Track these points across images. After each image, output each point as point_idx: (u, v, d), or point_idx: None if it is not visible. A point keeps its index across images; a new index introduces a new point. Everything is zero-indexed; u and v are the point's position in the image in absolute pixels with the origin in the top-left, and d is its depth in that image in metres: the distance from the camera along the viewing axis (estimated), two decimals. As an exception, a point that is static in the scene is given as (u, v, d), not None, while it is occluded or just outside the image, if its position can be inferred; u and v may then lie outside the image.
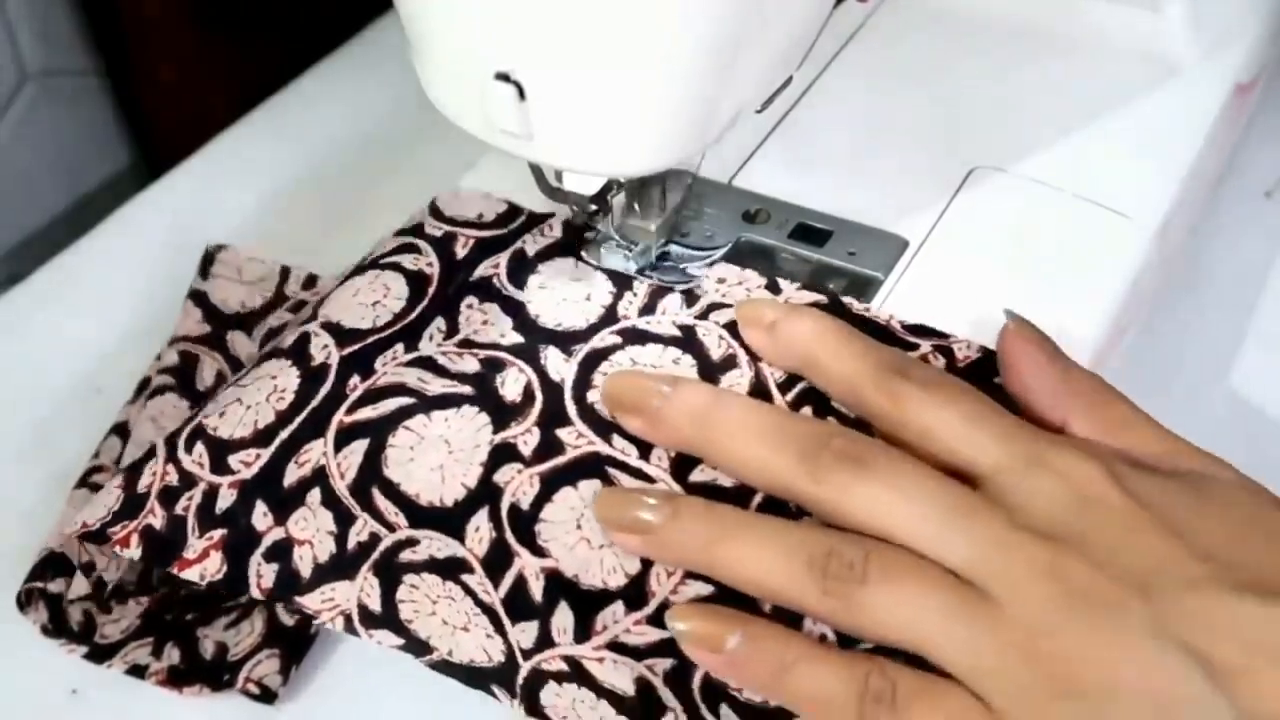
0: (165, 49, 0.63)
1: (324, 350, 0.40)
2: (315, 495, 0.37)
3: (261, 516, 0.37)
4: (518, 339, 0.40)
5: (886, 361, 0.35)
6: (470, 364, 0.39)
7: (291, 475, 0.38)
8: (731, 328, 0.39)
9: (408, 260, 0.42)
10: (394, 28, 0.41)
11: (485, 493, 0.36)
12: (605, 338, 0.40)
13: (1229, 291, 0.52)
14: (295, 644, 0.40)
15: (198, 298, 0.50)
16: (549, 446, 0.37)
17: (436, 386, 0.38)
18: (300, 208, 0.55)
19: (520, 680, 0.36)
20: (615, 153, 0.36)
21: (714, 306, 0.40)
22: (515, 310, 0.41)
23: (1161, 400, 0.48)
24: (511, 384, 0.38)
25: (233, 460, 0.38)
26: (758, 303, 0.38)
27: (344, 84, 0.65)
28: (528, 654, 0.35)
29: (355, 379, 0.39)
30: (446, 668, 0.36)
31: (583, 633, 0.35)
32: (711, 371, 0.38)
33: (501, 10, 0.33)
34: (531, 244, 0.43)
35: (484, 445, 0.37)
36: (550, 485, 0.36)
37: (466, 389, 0.38)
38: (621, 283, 0.41)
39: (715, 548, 0.33)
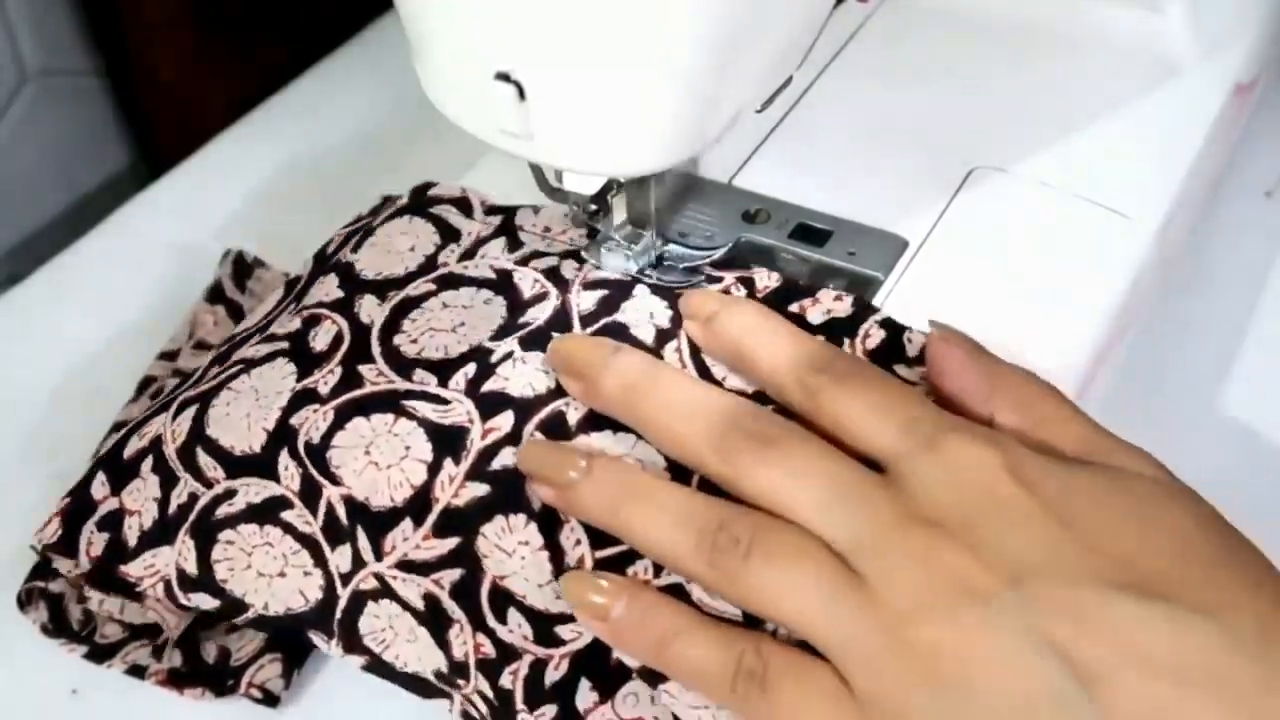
0: (165, 49, 0.63)
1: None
2: (148, 463, 0.39)
3: (100, 486, 0.40)
4: (339, 294, 0.41)
5: (810, 355, 0.35)
6: (294, 324, 0.41)
7: (132, 448, 0.40)
8: (549, 273, 0.41)
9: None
10: (394, 28, 0.41)
11: (284, 434, 0.38)
12: (420, 285, 0.41)
13: (1229, 291, 0.52)
14: (297, 649, 0.40)
15: (230, 306, 0.50)
16: (347, 382, 0.38)
17: (263, 350, 0.40)
18: (300, 208, 0.55)
19: (339, 613, 0.37)
20: (615, 153, 0.36)
21: (536, 254, 0.41)
22: (345, 270, 0.42)
23: (1161, 400, 0.48)
24: (323, 335, 0.40)
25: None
26: (702, 295, 0.38)
27: (344, 84, 0.65)
28: (346, 578, 0.37)
29: (215, 368, 0.41)
30: (261, 623, 0.38)
31: (377, 554, 0.37)
32: (521, 309, 0.39)
33: (501, 10, 0.33)
34: (373, 218, 0.45)
35: (285, 391, 0.39)
36: (341, 416, 0.38)
37: (283, 345, 0.40)
38: (448, 234, 0.43)
39: (621, 509, 0.34)
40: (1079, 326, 0.40)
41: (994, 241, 0.42)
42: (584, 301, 0.40)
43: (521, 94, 0.34)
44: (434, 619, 0.37)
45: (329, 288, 0.42)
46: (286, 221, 0.56)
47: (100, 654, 0.40)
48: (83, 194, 0.65)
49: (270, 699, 0.39)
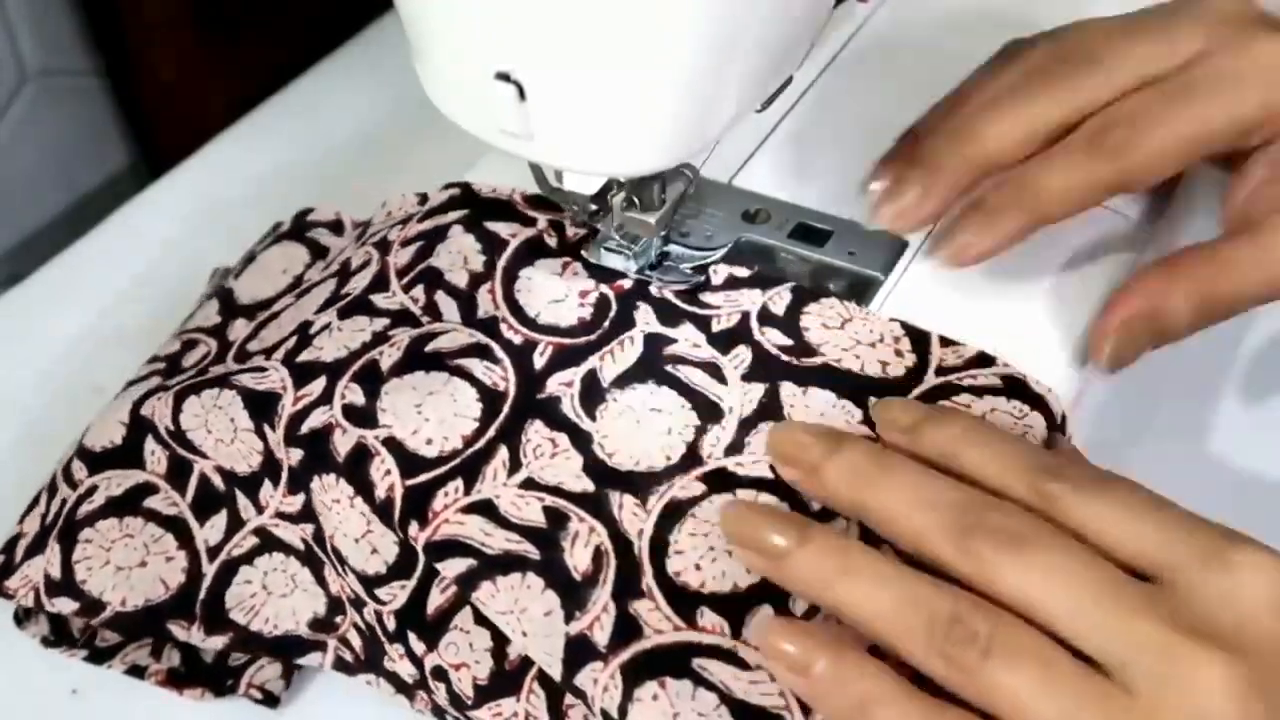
0: (165, 49, 0.63)
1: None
2: (45, 489, 0.41)
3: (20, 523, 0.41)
4: (216, 320, 0.41)
5: (1040, 462, 0.33)
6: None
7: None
8: (379, 244, 0.41)
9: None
10: (394, 28, 0.41)
11: (139, 422, 0.39)
12: (282, 300, 0.41)
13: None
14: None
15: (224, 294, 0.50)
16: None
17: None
18: (300, 208, 0.55)
19: (203, 593, 0.38)
20: (615, 153, 0.36)
21: (376, 232, 0.42)
22: (225, 297, 0.41)
23: (1162, 399, 0.48)
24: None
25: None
26: (900, 404, 0.36)
27: (344, 84, 0.65)
28: (215, 550, 0.39)
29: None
30: (118, 623, 0.38)
31: (258, 509, 0.38)
32: (346, 279, 0.41)
33: (501, 10, 0.33)
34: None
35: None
36: (179, 397, 0.39)
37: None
38: (318, 253, 0.43)
39: (839, 582, 0.31)
40: (1078, 326, 0.40)
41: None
42: (400, 258, 0.40)
43: (521, 94, 0.34)
44: (310, 560, 0.38)
45: (209, 313, 0.44)
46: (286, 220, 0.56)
47: (100, 655, 0.40)
48: (83, 194, 0.65)
49: (270, 699, 0.39)
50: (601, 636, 0.34)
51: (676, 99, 0.35)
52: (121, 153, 0.67)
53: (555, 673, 0.34)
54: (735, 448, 0.37)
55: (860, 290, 0.41)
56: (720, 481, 0.36)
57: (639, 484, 0.36)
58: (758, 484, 0.36)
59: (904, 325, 0.39)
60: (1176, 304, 0.36)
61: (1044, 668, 0.29)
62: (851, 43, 0.51)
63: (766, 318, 0.39)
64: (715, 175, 0.45)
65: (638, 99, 0.34)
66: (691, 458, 0.36)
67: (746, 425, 0.37)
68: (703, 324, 0.39)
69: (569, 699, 0.35)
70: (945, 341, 0.39)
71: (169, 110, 0.65)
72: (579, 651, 0.34)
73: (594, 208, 0.41)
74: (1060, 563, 0.30)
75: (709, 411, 0.37)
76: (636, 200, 0.41)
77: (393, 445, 0.37)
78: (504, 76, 0.34)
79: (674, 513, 0.35)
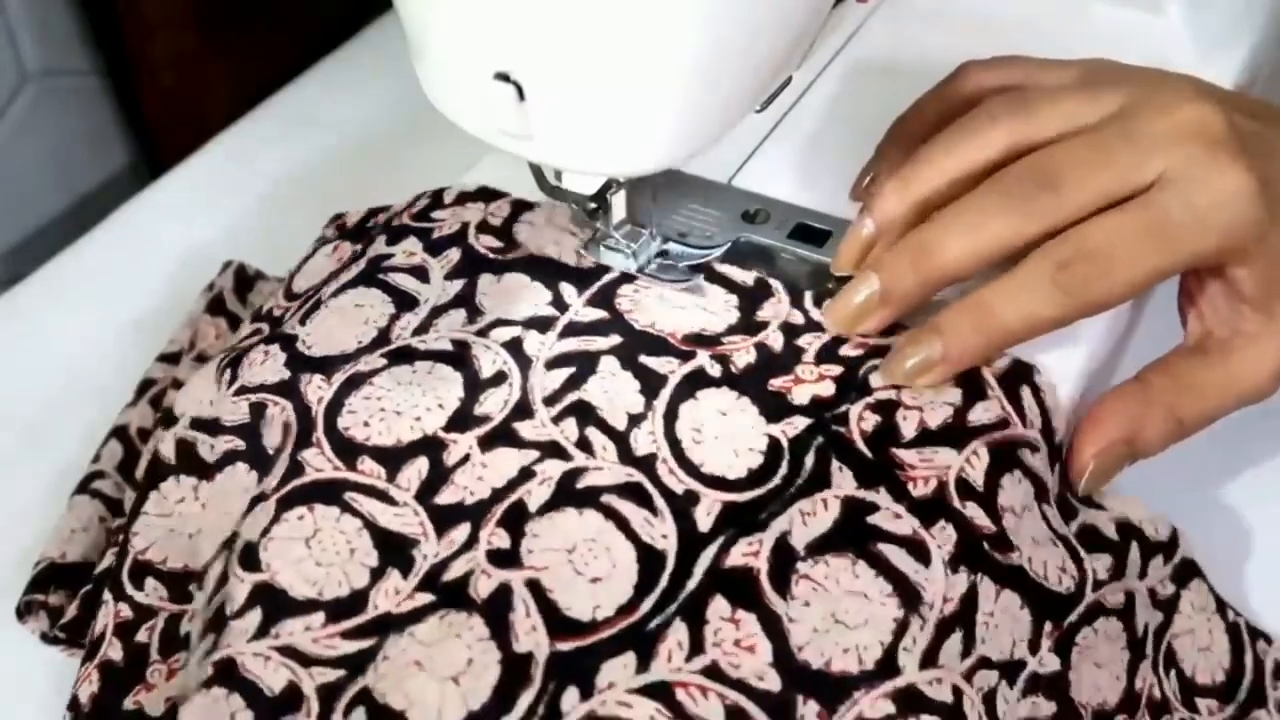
0: (165, 49, 0.63)
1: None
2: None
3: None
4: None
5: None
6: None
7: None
8: (510, 346, 0.38)
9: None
10: (394, 28, 0.41)
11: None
12: (371, 360, 0.38)
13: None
14: None
15: (230, 318, 0.50)
16: (291, 473, 0.36)
17: (219, 446, 0.38)
18: (300, 208, 0.55)
19: None
20: (615, 153, 0.36)
21: (500, 323, 0.39)
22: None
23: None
24: (273, 429, 0.37)
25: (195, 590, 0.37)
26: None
27: (344, 84, 0.65)
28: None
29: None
30: None
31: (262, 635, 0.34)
32: (478, 389, 0.37)
33: (501, 11, 0.33)
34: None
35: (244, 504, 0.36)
36: (283, 505, 0.35)
37: (237, 443, 0.37)
38: (404, 303, 0.40)
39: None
40: (1078, 326, 0.40)
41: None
42: (547, 382, 0.37)
43: (521, 94, 0.34)
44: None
45: (275, 365, 0.38)
46: (287, 221, 0.55)
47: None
48: (83, 194, 0.65)
49: None
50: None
51: (676, 99, 0.35)
52: (121, 153, 0.67)
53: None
54: (929, 657, 0.33)
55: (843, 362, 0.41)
56: (909, 702, 0.32)
57: (828, 691, 0.32)
58: (943, 711, 0.32)
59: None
60: (1152, 429, 0.37)
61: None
62: (851, 43, 0.51)
63: (965, 489, 0.35)
64: (715, 175, 0.45)
65: (637, 99, 0.34)
66: (887, 664, 0.32)
67: (944, 628, 0.33)
68: (900, 488, 0.35)
69: None
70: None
71: (169, 110, 0.65)
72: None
73: (594, 207, 0.41)
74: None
75: (911, 601, 0.33)
76: (636, 200, 0.41)
77: (538, 594, 0.33)
78: (504, 76, 0.34)
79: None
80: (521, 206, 0.43)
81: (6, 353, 0.51)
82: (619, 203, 0.41)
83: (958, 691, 0.32)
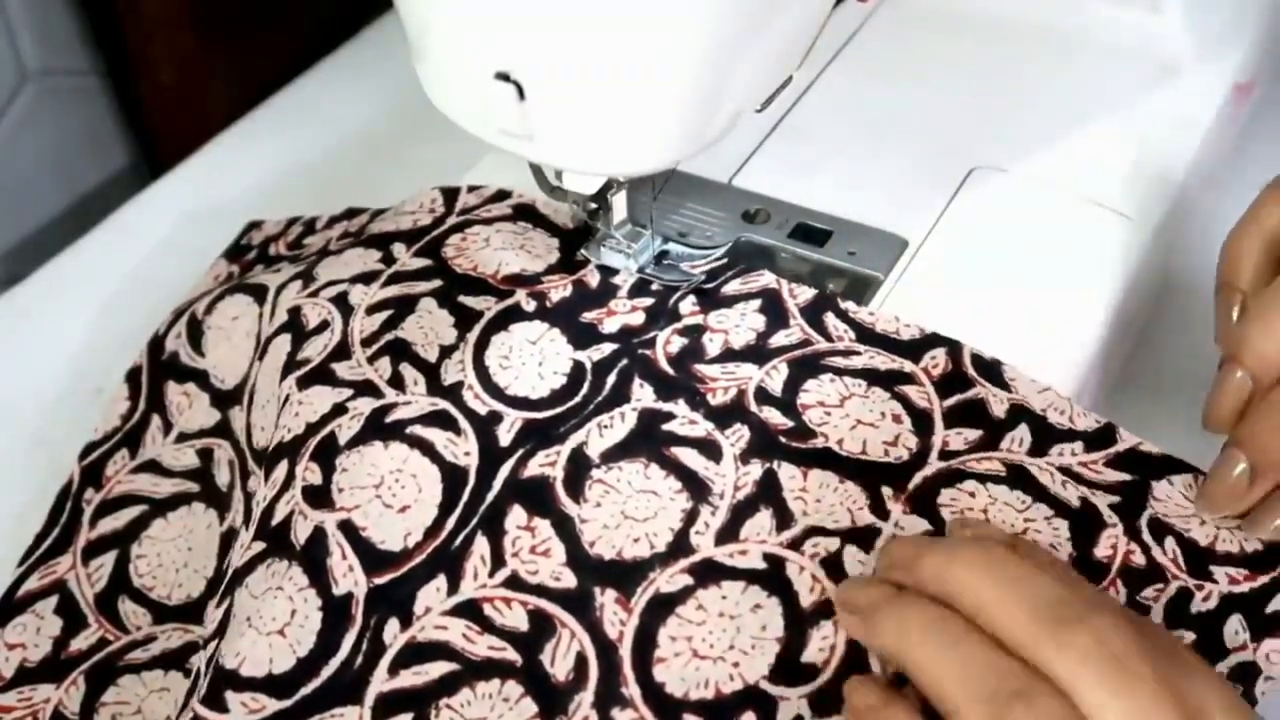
0: (165, 49, 0.63)
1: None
2: (48, 604, 0.38)
3: None
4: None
5: (1050, 604, 0.30)
6: (518, 617, 0.34)
7: (28, 587, 0.38)
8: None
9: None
10: (394, 28, 0.41)
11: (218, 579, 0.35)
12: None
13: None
14: None
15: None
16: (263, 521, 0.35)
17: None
18: (300, 208, 0.55)
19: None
20: (615, 153, 0.36)
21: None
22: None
23: (1162, 400, 0.48)
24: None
25: (233, 698, 0.34)
26: (900, 543, 0.34)
27: (344, 84, 0.65)
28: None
29: (394, 625, 0.34)
30: None
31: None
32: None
33: (501, 10, 0.33)
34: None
35: (214, 540, 0.35)
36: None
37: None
38: (699, 495, 0.35)
39: (916, 640, 0.30)
40: (1078, 326, 0.40)
41: (994, 241, 0.42)
42: (365, 325, 0.38)
43: (521, 94, 0.34)
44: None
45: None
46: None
47: None
48: (83, 194, 0.65)
49: None
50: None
51: (676, 99, 0.35)
52: (121, 153, 0.67)
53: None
54: (727, 534, 0.35)
55: (860, 290, 0.41)
56: (708, 572, 0.34)
57: (623, 577, 0.34)
58: (750, 577, 0.34)
59: (905, 403, 0.37)
60: None
61: None
62: (851, 43, 0.51)
63: (764, 396, 0.37)
64: (715, 175, 0.45)
65: (637, 99, 0.34)
66: (679, 546, 0.35)
67: (740, 510, 0.35)
68: (699, 398, 0.37)
69: None
70: (950, 421, 0.37)
71: (169, 110, 0.65)
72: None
73: (594, 207, 0.41)
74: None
75: (700, 493, 0.35)
76: (636, 200, 0.41)
77: (351, 533, 0.35)
78: (504, 76, 0.34)
79: (658, 609, 0.34)
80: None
81: (6, 353, 0.51)
82: (619, 203, 0.41)
83: (774, 558, 0.34)
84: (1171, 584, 0.34)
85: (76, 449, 0.45)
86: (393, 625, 0.34)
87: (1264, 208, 0.38)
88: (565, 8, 0.32)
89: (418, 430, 0.37)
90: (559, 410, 0.37)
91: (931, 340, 0.39)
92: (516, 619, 0.34)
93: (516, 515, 0.35)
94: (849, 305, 0.39)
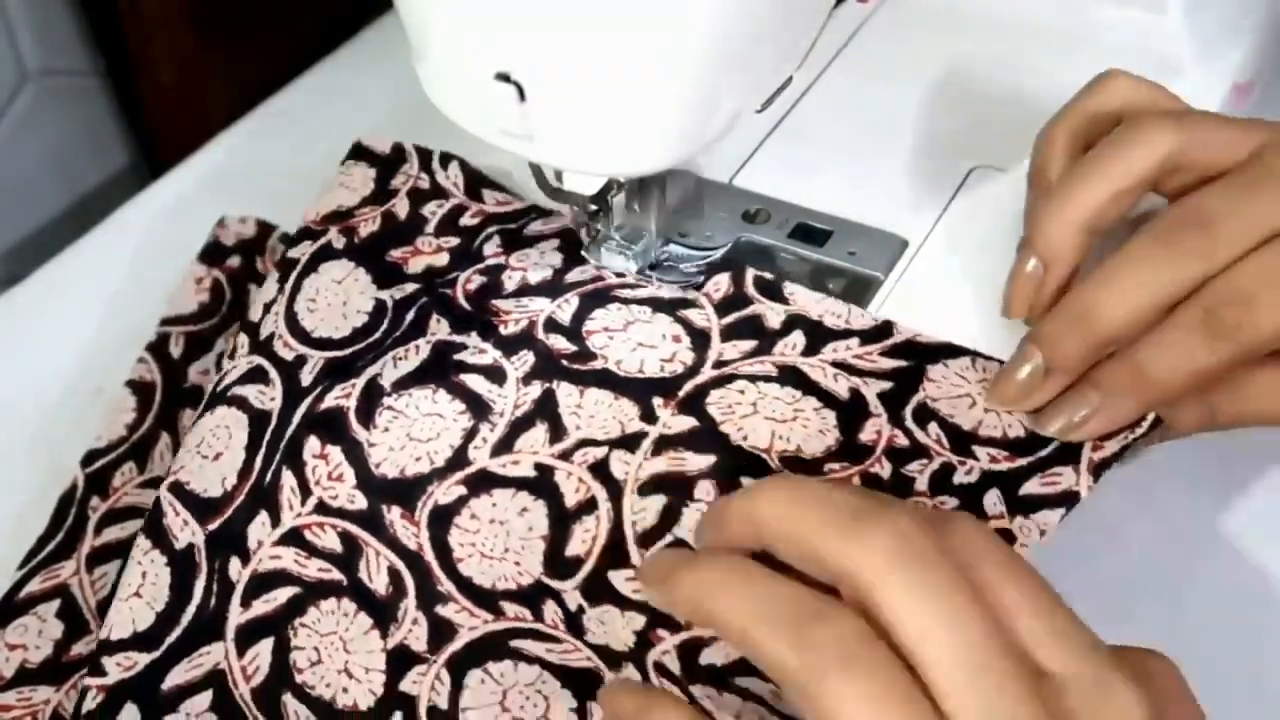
0: (165, 49, 0.63)
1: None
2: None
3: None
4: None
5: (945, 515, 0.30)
6: (332, 539, 0.37)
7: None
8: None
9: (252, 393, 0.40)
10: (394, 28, 0.41)
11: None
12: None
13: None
14: None
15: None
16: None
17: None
18: (300, 208, 0.55)
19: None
20: (615, 153, 0.36)
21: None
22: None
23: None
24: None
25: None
26: (711, 504, 0.34)
27: (344, 84, 0.65)
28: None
29: (236, 563, 0.37)
30: None
31: None
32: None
33: (501, 11, 0.33)
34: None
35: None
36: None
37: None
38: (480, 414, 0.38)
39: (715, 593, 0.30)
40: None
41: (994, 241, 0.42)
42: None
43: (521, 94, 0.34)
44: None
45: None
46: (286, 222, 0.55)
47: None
48: (83, 194, 0.65)
49: None
50: (419, 644, 0.35)
51: (676, 99, 0.35)
52: (121, 153, 0.67)
53: (378, 686, 0.35)
54: (502, 447, 0.37)
55: (860, 290, 0.41)
56: (481, 482, 0.36)
57: (405, 494, 0.37)
58: (519, 484, 0.36)
59: (685, 324, 0.39)
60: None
61: (896, 693, 0.27)
62: (851, 43, 0.51)
63: (552, 325, 0.39)
64: (715, 175, 0.45)
65: (638, 99, 0.34)
66: (456, 461, 0.37)
67: (518, 426, 0.37)
68: (490, 330, 0.39)
69: None
70: (727, 336, 0.39)
71: (169, 110, 0.65)
72: (400, 662, 0.35)
73: (594, 207, 0.41)
74: (945, 611, 0.28)
75: (481, 413, 0.38)
76: (636, 200, 0.41)
77: (179, 492, 0.38)
78: (504, 76, 0.34)
79: (439, 519, 0.36)
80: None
81: (6, 353, 0.51)
82: (619, 203, 0.41)
83: (544, 467, 0.36)
84: (935, 459, 0.36)
85: (77, 449, 0.45)
86: (235, 563, 0.37)
87: (1079, 100, 0.39)
88: (565, 8, 0.32)
89: (235, 390, 0.40)
90: (359, 347, 0.40)
91: (718, 266, 0.41)
92: (331, 541, 0.37)
93: (312, 445, 0.38)
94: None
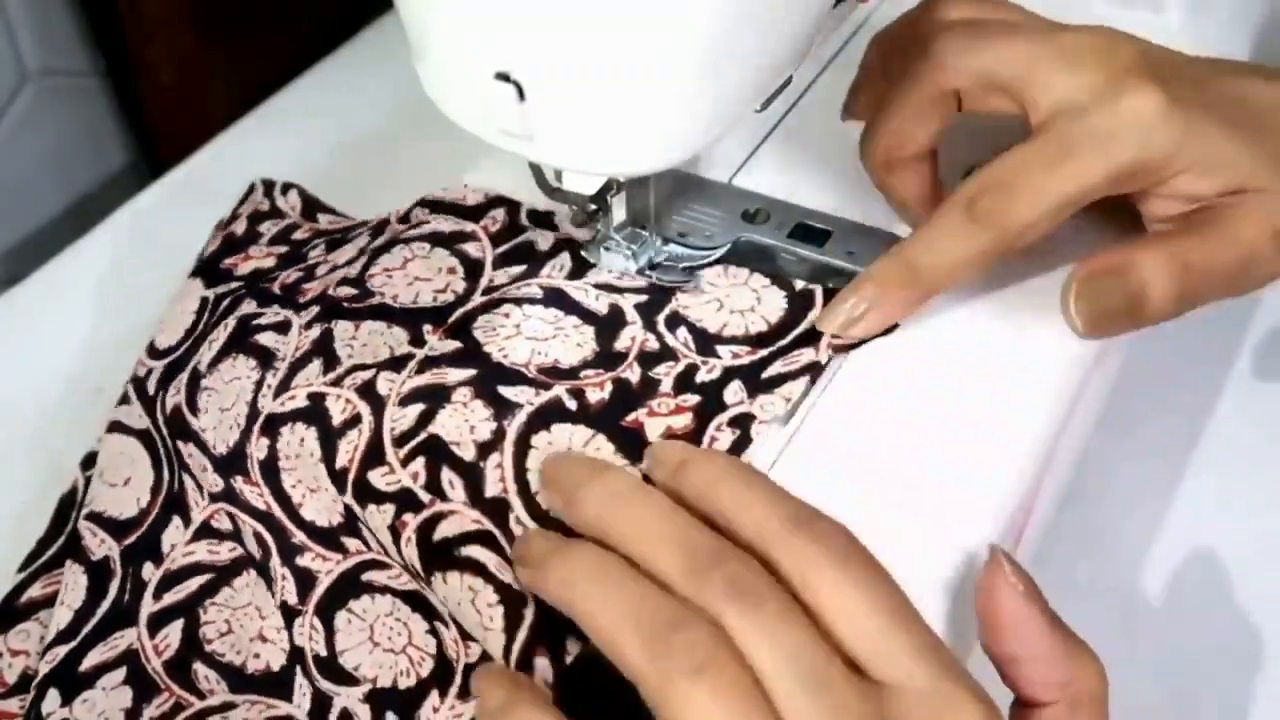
0: (165, 49, 0.63)
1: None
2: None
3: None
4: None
5: (793, 520, 0.31)
6: (224, 521, 0.40)
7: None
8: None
9: (125, 415, 0.43)
10: (394, 28, 0.41)
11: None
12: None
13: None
14: None
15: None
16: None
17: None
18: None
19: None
20: (615, 153, 0.36)
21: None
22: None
23: (1160, 400, 0.48)
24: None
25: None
26: (668, 444, 0.36)
27: (344, 84, 0.65)
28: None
29: (149, 566, 0.40)
30: None
31: None
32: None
33: (501, 10, 0.33)
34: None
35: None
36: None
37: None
38: (266, 363, 0.39)
39: (579, 585, 0.32)
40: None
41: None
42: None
43: (521, 94, 0.34)
44: None
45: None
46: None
47: None
48: (83, 194, 0.65)
49: None
50: (292, 598, 0.38)
51: (676, 99, 0.35)
52: (121, 153, 0.67)
53: (285, 643, 0.37)
54: (282, 389, 0.39)
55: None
56: (267, 426, 0.38)
57: (234, 461, 0.39)
58: (295, 416, 0.38)
59: (461, 257, 0.42)
60: (1154, 274, 0.37)
61: (740, 702, 0.29)
62: (851, 43, 0.51)
63: (343, 281, 0.42)
64: (715, 175, 0.45)
65: (638, 99, 0.34)
66: (253, 414, 0.39)
67: (296, 366, 0.39)
68: (290, 301, 0.42)
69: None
70: (498, 264, 0.41)
71: (169, 110, 0.65)
72: (287, 615, 0.38)
73: (594, 207, 0.41)
74: (781, 633, 0.29)
75: (267, 362, 0.40)
76: (636, 200, 0.41)
77: (97, 519, 0.41)
78: (504, 76, 0.34)
79: (269, 472, 0.38)
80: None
81: (6, 353, 0.51)
82: (619, 204, 0.41)
83: (316, 395, 0.38)
84: (681, 361, 0.39)
85: (77, 450, 0.45)
86: (148, 567, 0.40)
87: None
88: (565, 8, 0.32)
89: (114, 417, 0.43)
90: (185, 345, 0.43)
91: (494, 202, 0.43)
92: (224, 523, 0.40)
93: (181, 447, 0.41)
94: (439, 194, 0.44)
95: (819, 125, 0.47)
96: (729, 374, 0.38)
